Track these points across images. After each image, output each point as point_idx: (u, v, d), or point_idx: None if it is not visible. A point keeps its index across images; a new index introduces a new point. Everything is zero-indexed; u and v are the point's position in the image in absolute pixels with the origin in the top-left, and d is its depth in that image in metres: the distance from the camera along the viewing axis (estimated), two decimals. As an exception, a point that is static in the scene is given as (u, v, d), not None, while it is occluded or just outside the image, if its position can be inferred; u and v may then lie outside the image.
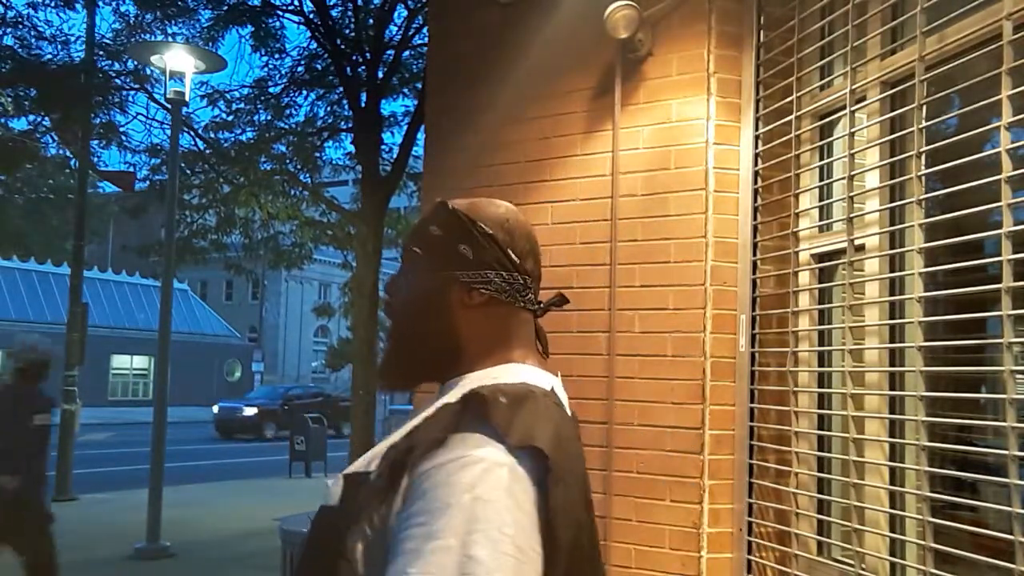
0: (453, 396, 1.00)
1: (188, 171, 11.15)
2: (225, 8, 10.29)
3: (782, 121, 2.66)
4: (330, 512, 0.99)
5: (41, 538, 4.68)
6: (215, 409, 22.72)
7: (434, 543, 0.83)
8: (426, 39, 7.13)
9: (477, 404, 0.94)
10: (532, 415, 0.95)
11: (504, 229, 1.10)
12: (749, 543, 2.65)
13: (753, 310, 2.72)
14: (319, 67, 10.62)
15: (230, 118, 10.93)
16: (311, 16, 9.95)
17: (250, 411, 22.29)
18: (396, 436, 1.01)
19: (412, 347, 1.10)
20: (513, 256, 1.09)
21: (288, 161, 11.11)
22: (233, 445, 19.95)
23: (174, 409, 10.78)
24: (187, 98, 8.32)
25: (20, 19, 10.03)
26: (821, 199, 2.64)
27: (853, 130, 2.42)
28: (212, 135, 11.05)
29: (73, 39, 10.57)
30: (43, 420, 4.67)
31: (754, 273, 2.72)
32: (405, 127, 10.54)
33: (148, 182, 11.92)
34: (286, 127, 11.14)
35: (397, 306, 1.11)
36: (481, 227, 1.08)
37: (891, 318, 2.27)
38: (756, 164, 2.74)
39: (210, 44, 10.07)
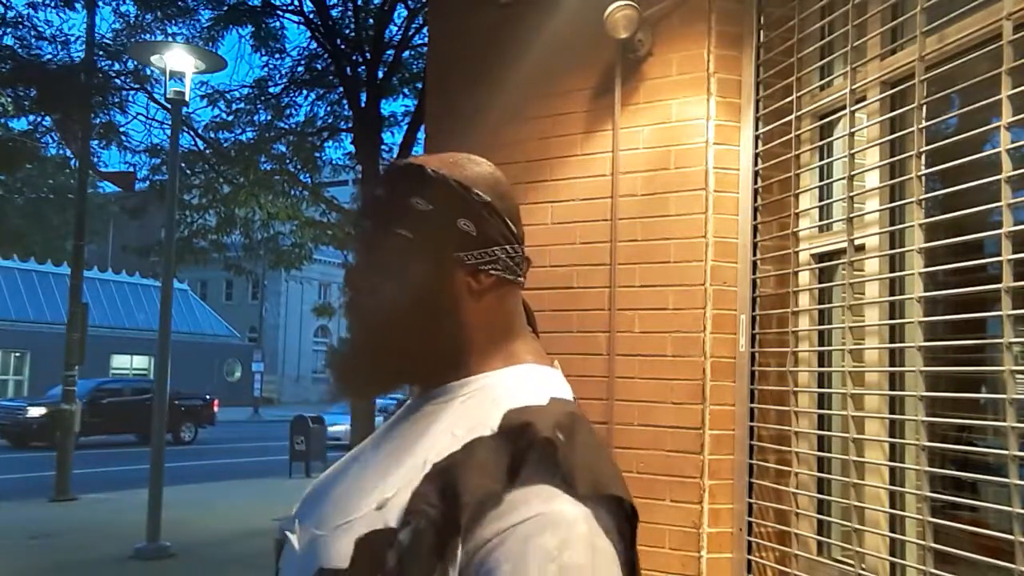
0: (473, 415, 0.84)
1: (188, 171, 11.16)
2: (225, 8, 10.31)
3: (782, 121, 2.66)
4: None
5: None
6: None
7: None
8: (426, 39, 7.14)
9: (541, 448, 0.78)
10: (590, 450, 0.81)
11: (497, 193, 0.91)
12: (749, 543, 2.65)
13: (753, 310, 2.72)
14: (319, 67, 10.65)
15: (230, 118, 10.95)
16: (311, 16, 9.98)
17: (35, 412, 17.25)
18: (403, 466, 0.83)
19: (405, 350, 0.89)
20: (512, 225, 0.92)
21: (288, 161, 11.13)
22: (24, 455, 15.52)
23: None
24: (187, 98, 8.33)
25: (20, 19, 10.04)
26: (821, 199, 2.64)
27: (853, 130, 2.42)
28: (212, 135, 11.07)
29: (73, 39, 10.60)
30: None
31: (754, 273, 2.72)
32: (405, 127, 10.57)
33: (148, 182, 11.94)
34: (286, 127, 11.16)
35: (378, 302, 0.90)
36: (479, 195, 0.89)
37: (891, 318, 2.27)
38: (756, 164, 2.74)
39: (210, 44, 10.09)
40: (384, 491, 0.81)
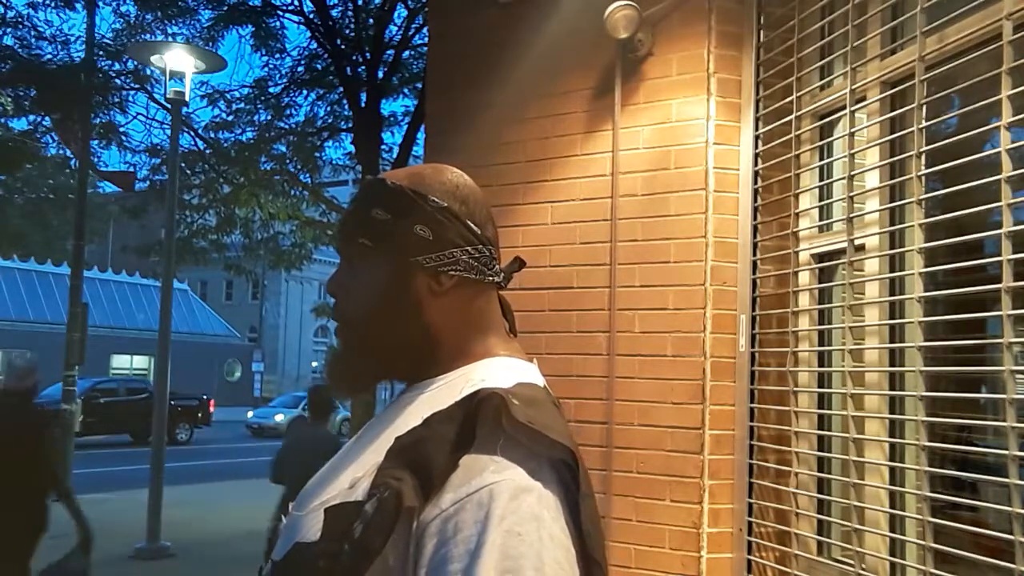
0: (440, 400, 0.90)
1: (188, 171, 11.17)
2: (225, 8, 10.31)
3: (782, 121, 2.66)
4: (309, 551, 0.85)
5: None
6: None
7: None
8: (426, 39, 7.13)
9: (490, 407, 0.85)
10: (541, 414, 0.87)
11: (457, 198, 0.96)
12: (749, 543, 2.65)
13: (753, 310, 2.72)
14: (319, 67, 10.65)
15: (230, 118, 10.96)
16: (311, 16, 9.98)
17: None
18: (372, 450, 0.90)
19: (379, 349, 0.97)
20: (474, 227, 0.96)
21: (288, 161, 11.13)
22: None
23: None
24: (187, 98, 8.32)
25: (20, 19, 10.05)
26: (821, 199, 2.64)
27: (853, 130, 2.42)
28: (212, 135, 11.07)
29: (73, 39, 10.61)
30: None
31: (754, 273, 2.72)
32: (405, 127, 10.57)
33: (148, 182, 11.95)
34: (286, 127, 11.17)
35: (352, 307, 0.97)
36: (434, 201, 0.94)
37: (891, 318, 2.27)
38: (756, 164, 2.74)
39: (210, 44, 10.10)
40: (356, 472, 0.88)
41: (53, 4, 10.16)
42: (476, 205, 0.98)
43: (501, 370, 0.93)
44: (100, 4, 10.57)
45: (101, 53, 10.70)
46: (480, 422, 0.84)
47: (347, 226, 0.99)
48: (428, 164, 1.01)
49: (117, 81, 10.85)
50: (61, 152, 14.51)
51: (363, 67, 9.94)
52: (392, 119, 11.47)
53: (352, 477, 0.88)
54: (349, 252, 0.99)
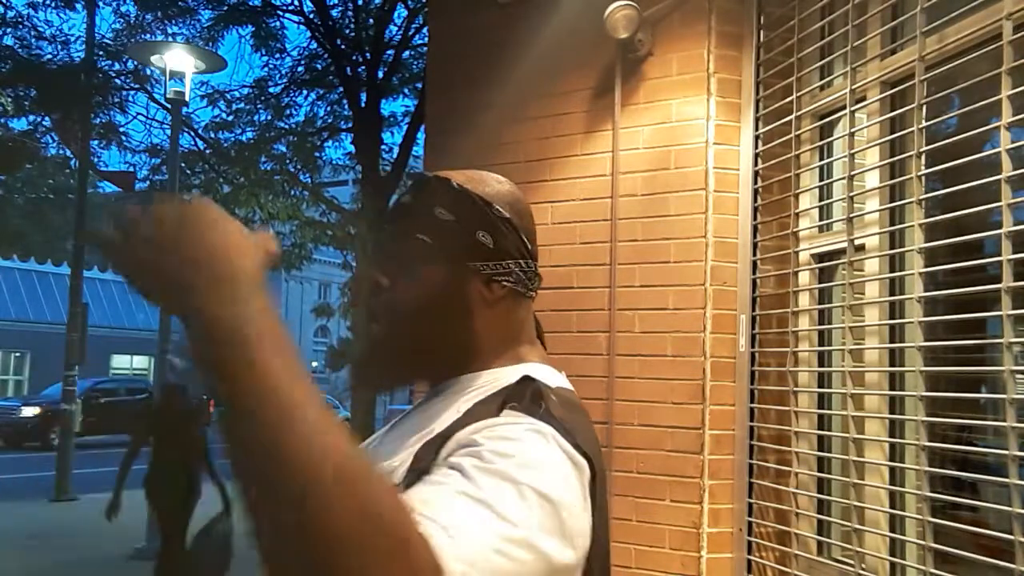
0: (477, 397, 0.89)
1: (188, 171, 11.17)
2: (225, 8, 10.32)
3: (782, 121, 2.66)
4: None
5: None
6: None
7: (494, 475, 0.71)
8: (426, 39, 7.14)
9: (531, 391, 0.84)
10: (577, 418, 0.86)
11: (515, 211, 0.97)
12: (749, 543, 2.65)
13: (753, 310, 2.72)
14: (319, 67, 10.66)
15: (230, 118, 10.98)
16: (311, 16, 9.99)
17: (29, 411, 17.59)
18: (407, 443, 0.88)
19: (419, 347, 0.95)
20: (527, 241, 0.98)
21: (288, 161, 11.15)
22: (19, 456, 15.48)
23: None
24: (187, 98, 8.32)
25: (20, 19, 10.06)
26: (821, 199, 2.64)
27: (853, 130, 2.42)
28: (212, 135, 11.08)
29: (73, 39, 10.62)
30: None
31: (754, 273, 2.72)
32: (405, 127, 10.58)
33: (148, 182, 11.95)
34: (286, 127, 11.18)
35: (399, 299, 0.95)
36: (498, 211, 0.95)
37: (891, 318, 2.27)
38: (756, 164, 2.74)
39: (210, 44, 10.11)
40: (392, 463, 0.86)
41: (53, 4, 10.17)
42: (529, 220, 1.00)
43: (538, 372, 0.93)
44: (100, 4, 10.59)
45: (101, 53, 10.71)
46: (515, 398, 0.83)
47: (403, 219, 0.97)
48: (481, 171, 1.00)
49: (117, 81, 10.87)
50: (61, 152, 14.51)
51: (363, 67, 9.95)
52: (392, 119, 11.50)
53: (388, 468, 0.86)
54: (399, 245, 0.96)
